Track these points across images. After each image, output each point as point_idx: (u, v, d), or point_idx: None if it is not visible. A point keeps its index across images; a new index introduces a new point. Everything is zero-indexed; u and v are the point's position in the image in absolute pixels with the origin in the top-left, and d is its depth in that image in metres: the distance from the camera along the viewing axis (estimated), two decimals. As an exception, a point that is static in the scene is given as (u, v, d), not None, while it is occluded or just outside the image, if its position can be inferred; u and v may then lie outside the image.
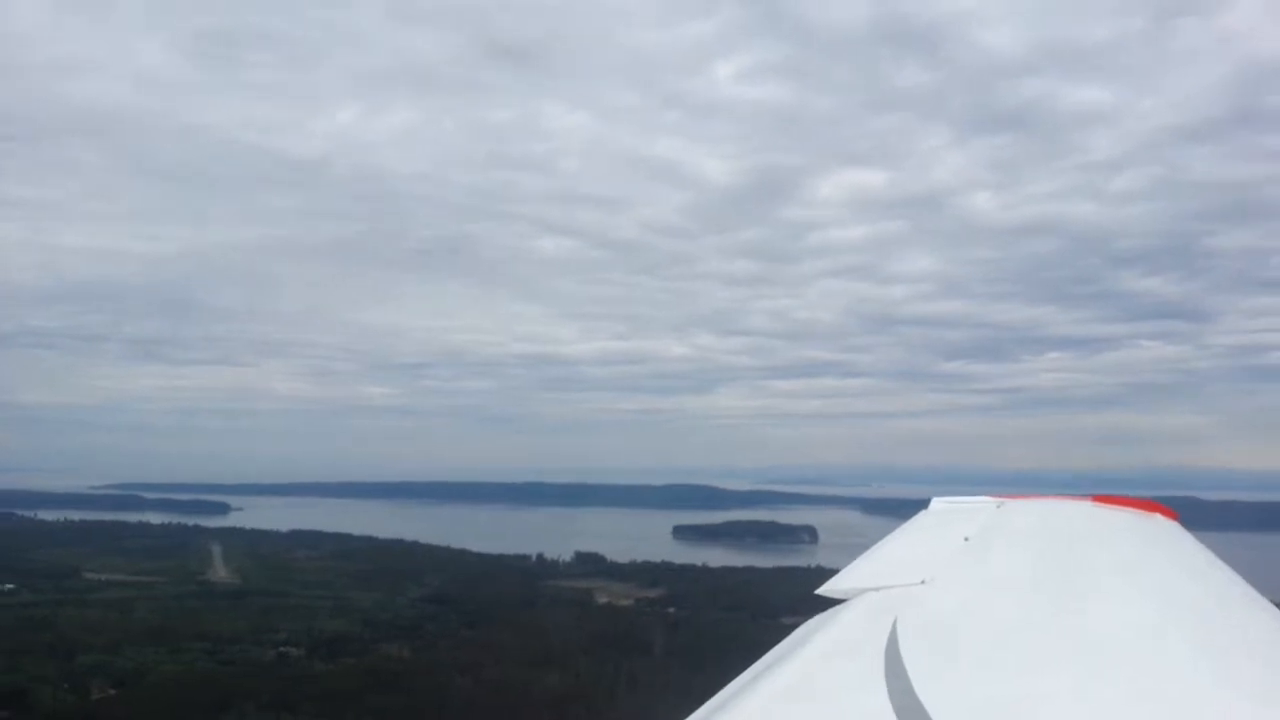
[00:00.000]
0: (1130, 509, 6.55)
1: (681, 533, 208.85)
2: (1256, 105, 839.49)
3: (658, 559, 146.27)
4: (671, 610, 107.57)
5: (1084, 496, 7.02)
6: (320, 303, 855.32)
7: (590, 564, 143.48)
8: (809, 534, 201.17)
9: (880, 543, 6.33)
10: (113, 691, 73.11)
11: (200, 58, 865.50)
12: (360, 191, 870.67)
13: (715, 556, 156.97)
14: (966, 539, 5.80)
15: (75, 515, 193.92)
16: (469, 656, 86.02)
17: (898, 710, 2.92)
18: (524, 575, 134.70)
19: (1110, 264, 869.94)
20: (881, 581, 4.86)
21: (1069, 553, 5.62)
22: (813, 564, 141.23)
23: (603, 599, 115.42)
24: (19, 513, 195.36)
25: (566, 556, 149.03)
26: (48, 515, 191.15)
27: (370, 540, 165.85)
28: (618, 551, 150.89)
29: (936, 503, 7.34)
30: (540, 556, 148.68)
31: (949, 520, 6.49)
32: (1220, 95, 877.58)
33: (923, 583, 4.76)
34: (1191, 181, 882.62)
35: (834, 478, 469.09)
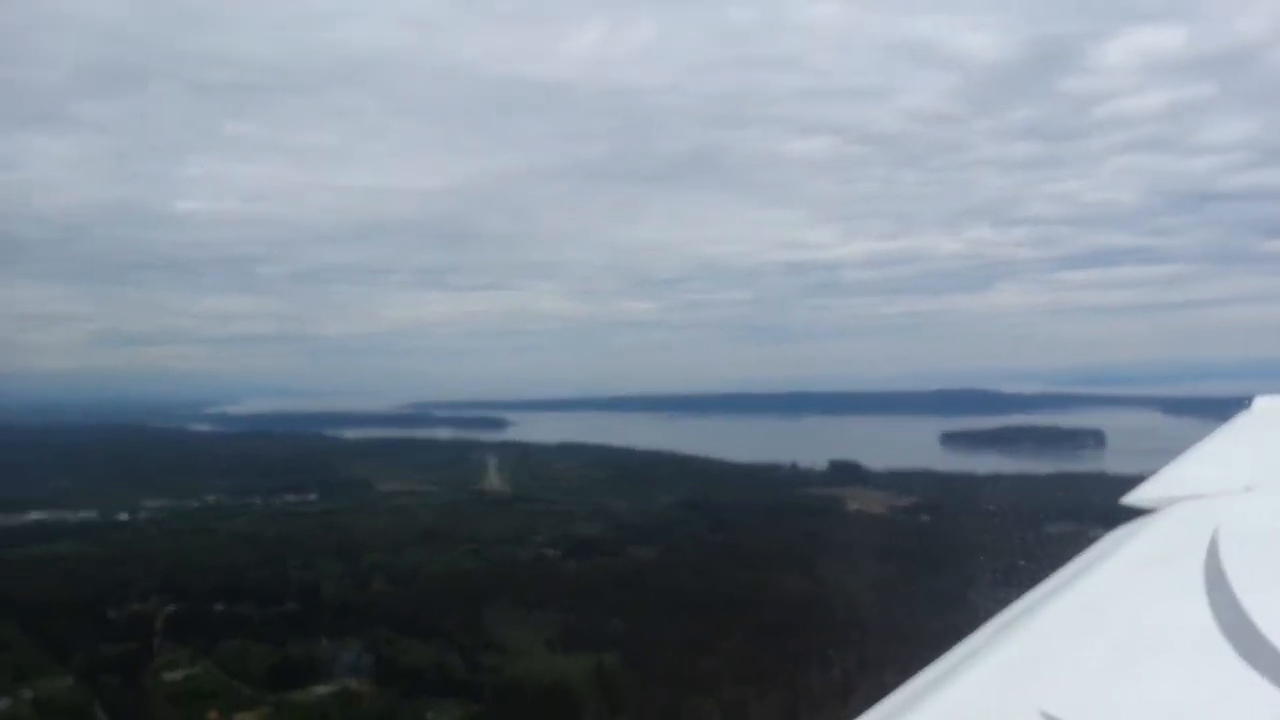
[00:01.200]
0: None
1: (950, 439, 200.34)
2: None
3: (919, 466, 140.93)
4: (925, 518, 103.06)
5: None
6: (581, 223, 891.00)
7: (845, 472, 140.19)
8: (1095, 438, 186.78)
9: (1194, 447, 5.81)
10: (390, 588, 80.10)
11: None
12: (610, 109, 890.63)
13: (984, 463, 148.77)
14: None
15: (373, 433, 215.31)
16: (711, 559, 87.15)
17: (1221, 623, 2.72)
18: (775, 483, 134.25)
19: None
20: (1198, 489, 4.49)
21: None
22: (1094, 470, 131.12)
23: (853, 506, 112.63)
24: (326, 432, 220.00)
25: (821, 465, 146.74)
26: (350, 434, 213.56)
27: (629, 451, 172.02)
28: (875, 459, 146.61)
29: (1261, 401, 6.76)
30: (794, 465, 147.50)
31: (1277, 421, 6.03)
32: None
33: (1247, 489, 4.38)
34: None
35: (1134, 376, 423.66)
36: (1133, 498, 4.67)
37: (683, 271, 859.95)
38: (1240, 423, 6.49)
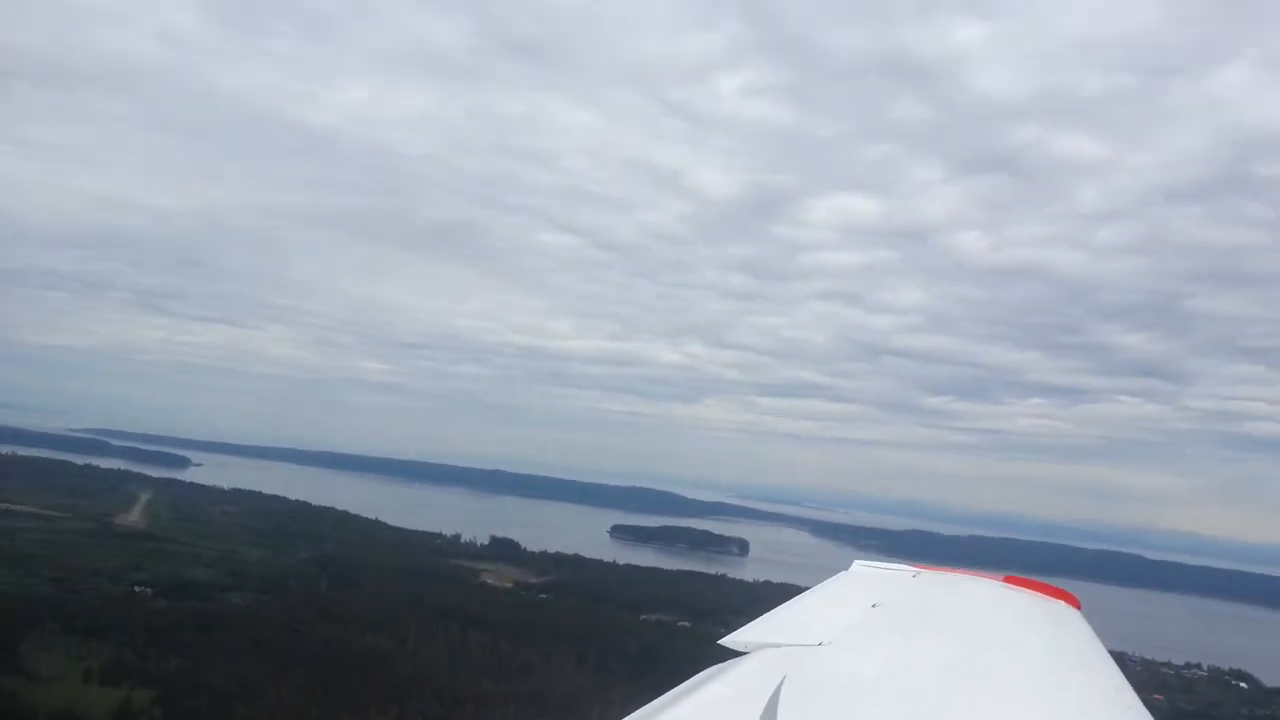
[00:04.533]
0: (1037, 593, 6.42)
1: (618, 532, 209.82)
2: (1245, 172, 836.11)
3: (571, 551, 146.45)
4: (543, 596, 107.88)
5: (997, 575, 6.90)
6: (325, 273, 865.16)
7: (501, 548, 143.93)
8: (739, 547, 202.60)
9: (793, 600, 6.28)
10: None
11: (223, 21, 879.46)
12: (369, 166, 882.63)
13: (633, 556, 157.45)
14: (874, 605, 5.77)
15: (28, 453, 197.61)
16: (307, 613, 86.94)
17: None
18: (426, 551, 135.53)
19: (1095, 316, 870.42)
20: (785, 638, 4.91)
21: (966, 632, 5.55)
22: (719, 572, 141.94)
23: (485, 579, 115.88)
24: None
25: (483, 539, 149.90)
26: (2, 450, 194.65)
27: (301, 505, 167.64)
28: (535, 540, 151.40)
29: (858, 565, 7.26)
30: (456, 536, 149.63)
31: (864, 584, 6.52)
32: (1208, 158, 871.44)
33: (820, 644, 4.79)
34: (1177, 241, 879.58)
35: (801, 498, 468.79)
36: (728, 640, 4.99)
37: (423, 338, 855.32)
38: (836, 581, 6.85)
